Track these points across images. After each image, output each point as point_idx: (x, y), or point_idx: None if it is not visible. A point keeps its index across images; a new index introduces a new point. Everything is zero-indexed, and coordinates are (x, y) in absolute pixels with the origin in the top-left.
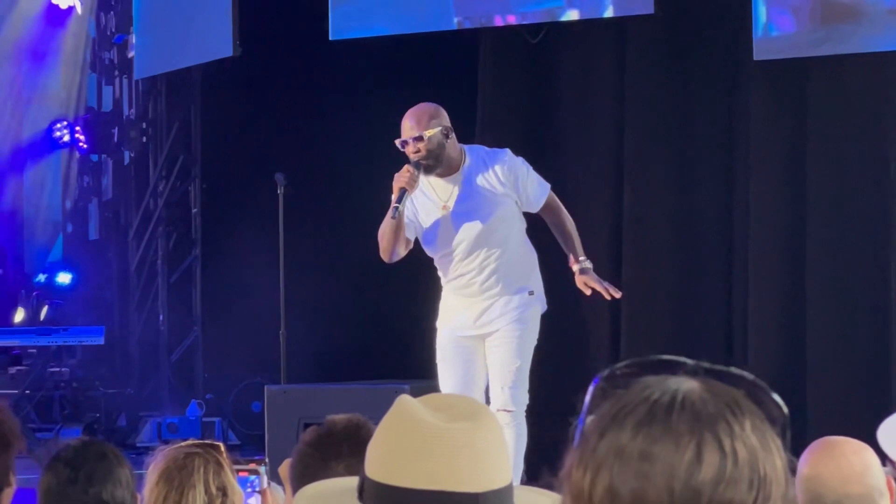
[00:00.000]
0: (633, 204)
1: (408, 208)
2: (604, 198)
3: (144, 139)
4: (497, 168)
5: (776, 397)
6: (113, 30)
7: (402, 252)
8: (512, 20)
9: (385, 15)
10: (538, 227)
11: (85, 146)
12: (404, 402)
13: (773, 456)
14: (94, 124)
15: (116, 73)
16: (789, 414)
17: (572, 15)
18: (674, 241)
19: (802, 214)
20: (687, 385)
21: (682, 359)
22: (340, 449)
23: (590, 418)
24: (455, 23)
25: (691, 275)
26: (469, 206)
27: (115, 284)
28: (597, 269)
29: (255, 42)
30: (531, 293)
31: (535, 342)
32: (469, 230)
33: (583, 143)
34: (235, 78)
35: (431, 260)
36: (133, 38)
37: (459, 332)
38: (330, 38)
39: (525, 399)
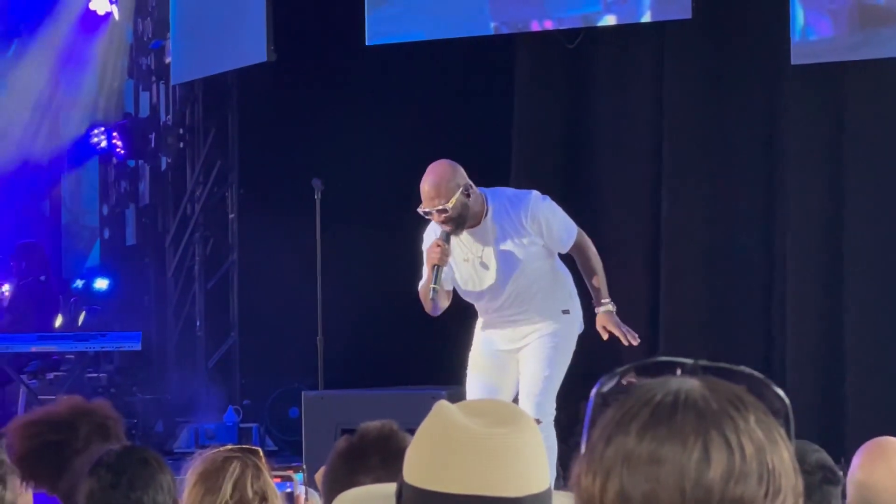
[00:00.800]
0: (672, 209)
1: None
2: (642, 202)
3: (181, 145)
4: (522, 215)
5: (776, 389)
6: (150, 36)
7: (444, 306)
8: (549, 25)
9: (421, 20)
10: None
11: (122, 152)
12: (443, 407)
13: (780, 448)
14: (131, 130)
15: (153, 78)
16: (829, 413)
17: (609, 20)
18: (712, 245)
19: (841, 218)
20: (688, 385)
21: (681, 359)
22: (370, 462)
23: (595, 425)
24: (492, 28)
25: (730, 279)
26: (498, 254)
27: (152, 290)
28: (635, 276)
29: (291, 47)
30: (566, 311)
31: (568, 358)
32: (501, 276)
33: (620, 148)
34: (272, 83)
35: None
36: (170, 44)
37: (495, 345)
38: (366, 44)
39: (552, 410)
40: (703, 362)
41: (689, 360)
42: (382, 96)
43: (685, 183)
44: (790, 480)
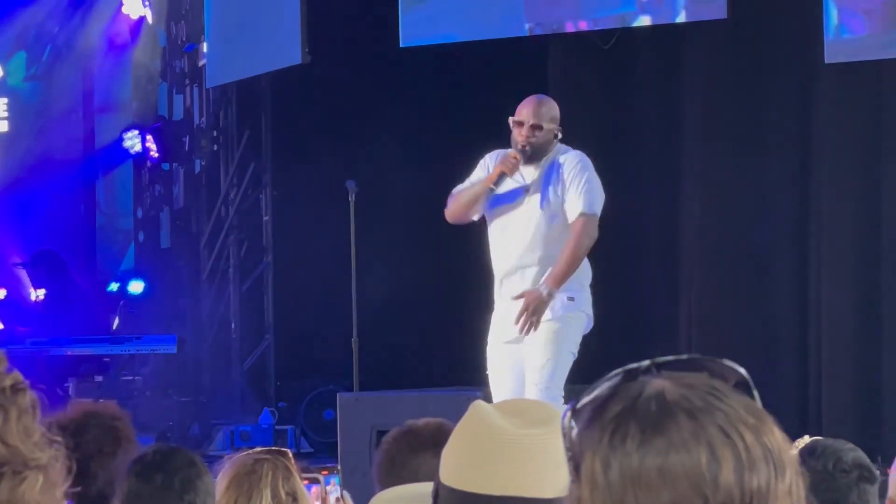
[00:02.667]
0: (705, 209)
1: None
2: (676, 202)
3: (215, 147)
4: (562, 160)
5: (731, 364)
6: (183, 39)
7: (471, 217)
8: (583, 26)
9: (455, 21)
10: (611, 247)
11: (156, 155)
12: (479, 407)
13: (769, 424)
14: (165, 133)
15: (187, 81)
16: (865, 413)
17: (644, 20)
18: (747, 243)
19: (876, 216)
20: (657, 387)
21: (637, 364)
22: (426, 442)
23: (580, 449)
24: (526, 29)
25: (765, 278)
26: (540, 191)
27: (186, 293)
28: (669, 272)
29: (325, 50)
30: (571, 299)
31: (572, 347)
32: (534, 214)
33: (655, 148)
34: (306, 86)
35: None
36: (204, 47)
37: (505, 337)
38: (400, 45)
39: (558, 395)
40: (659, 360)
41: (644, 363)
42: (416, 98)
43: (719, 182)
44: (788, 454)
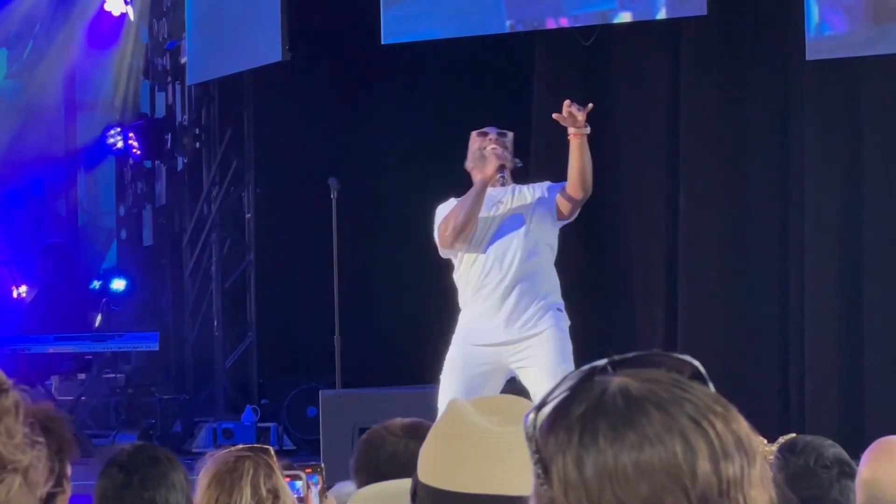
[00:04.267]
0: (689, 206)
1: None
2: (659, 200)
3: (197, 145)
4: (529, 186)
5: (684, 357)
6: (165, 36)
7: (469, 235)
8: (564, 23)
9: (437, 18)
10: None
11: (138, 152)
12: (456, 405)
13: (733, 412)
14: (147, 130)
15: (169, 79)
16: (847, 412)
17: (625, 17)
18: (729, 242)
19: (858, 214)
20: (621, 383)
21: (592, 364)
22: (403, 432)
23: (547, 452)
24: (507, 26)
25: (747, 276)
26: (513, 208)
27: (169, 290)
28: (652, 270)
29: (306, 47)
30: (559, 309)
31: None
32: (509, 232)
33: (637, 145)
34: (288, 83)
35: None
36: (185, 45)
37: (482, 340)
38: (382, 42)
39: None
40: (613, 358)
41: (601, 362)
42: (398, 95)
43: (701, 180)
44: (754, 441)
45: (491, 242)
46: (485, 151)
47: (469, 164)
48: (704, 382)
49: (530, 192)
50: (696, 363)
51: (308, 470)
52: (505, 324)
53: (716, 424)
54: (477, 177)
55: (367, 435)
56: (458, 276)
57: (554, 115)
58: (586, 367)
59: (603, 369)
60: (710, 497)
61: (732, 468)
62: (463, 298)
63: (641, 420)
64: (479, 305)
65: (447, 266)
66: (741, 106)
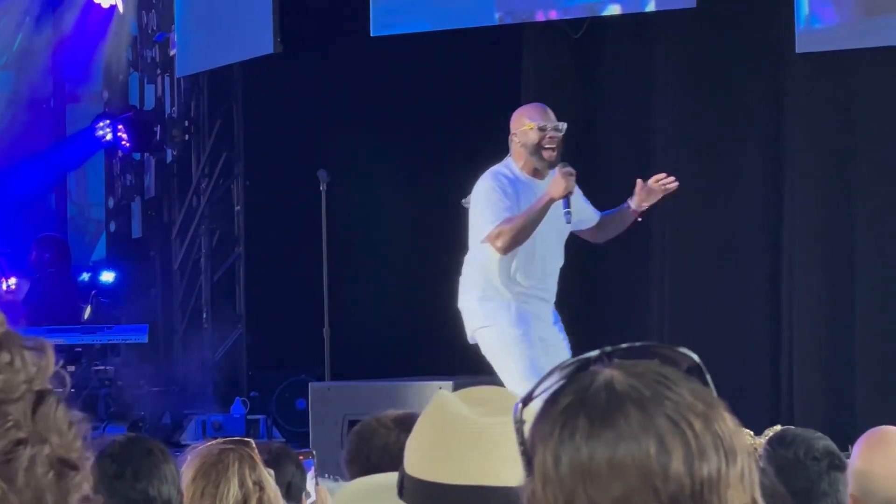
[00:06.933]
0: (676, 198)
1: (511, 200)
2: None
3: (187, 137)
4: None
5: (683, 350)
6: (154, 28)
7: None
8: (553, 15)
9: (426, 11)
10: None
11: (127, 144)
12: (442, 397)
13: (720, 410)
14: (136, 123)
15: (158, 71)
16: (836, 404)
17: (614, 9)
18: (716, 237)
19: (847, 206)
20: (606, 377)
21: (589, 353)
22: (394, 424)
23: (532, 443)
24: (496, 18)
25: (735, 273)
26: (559, 212)
27: (158, 282)
28: (637, 265)
29: (296, 39)
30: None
31: None
32: (554, 231)
33: (626, 138)
34: (277, 75)
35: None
36: (174, 37)
37: (535, 332)
38: (371, 35)
39: None
40: (607, 349)
41: (594, 353)
42: (388, 87)
43: (691, 173)
44: (739, 439)
45: (545, 237)
46: (558, 167)
47: (518, 148)
48: (702, 375)
49: (576, 199)
50: (694, 356)
51: (301, 457)
52: (550, 322)
53: (694, 424)
54: (531, 170)
55: (358, 427)
56: (484, 260)
57: (646, 186)
58: (583, 356)
59: (598, 359)
60: (680, 498)
61: (708, 469)
62: (488, 283)
63: (619, 418)
64: (520, 304)
65: (436, 260)
66: (731, 98)
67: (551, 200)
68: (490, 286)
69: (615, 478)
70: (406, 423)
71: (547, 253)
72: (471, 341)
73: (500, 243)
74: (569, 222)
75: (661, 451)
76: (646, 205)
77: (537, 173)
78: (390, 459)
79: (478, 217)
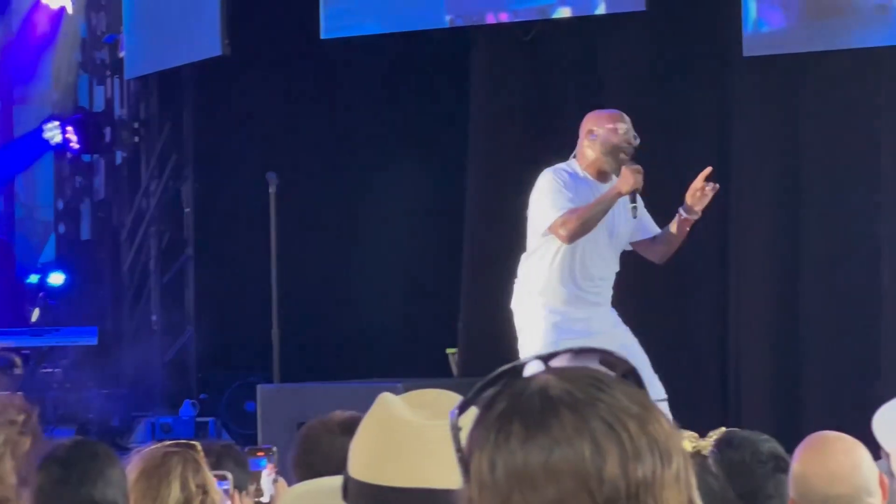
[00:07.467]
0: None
1: (573, 192)
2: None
3: (136, 139)
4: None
5: (617, 354)
6: (103, 30)
7: None
8: (504, 18)
9: (376, 13)
10: None
11: (77, 146)
12: (385, 400)
13: (655, 412)
14: (85, 124)
15: (108, 72)
16: (782, 406)
17: (564, 12)
18: None
19: (795, 209)
20: (542, 382)
21: (521, 360)
22: (339, 429)
23: (469, 449)
24: (447, 21)
25: (685, 271)
26: (617, 219)
27: (107, 285)
28: None
29: (246, 41)
30: None
31: None
32: (613, 235)
33: (574, 141)
34: (227, 77)
35: (429, 261)
36: (123, 38)
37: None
38: (321, 37)
39: None
40: (541, 355)
41: (528, 358)
42: (338, 90)
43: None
44: (674, 441)
45: (606, 238)
46: (626, 164)
47: (590, 147)
48: (638, 380)
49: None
50: (629, 361)
51: (260, 453)
52: (610, 325)
53: (629, 426)
54: (606, 168)
55: (304, 429)
56: (538, 260)
57: (696, 191)
58: (517, 362)
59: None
60: (616, 501)
61: (643, 470)
62: (544, 283)
63: (553, 422)
64: (572, 296)
65: (384, 262)
66: (678, 101)
67: (619, 194)
68: (548, 286)
69: (550, 482)
70: (351, 427)
71: (606, 254)
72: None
73: (564, 231)
74: (635, 217)
75: (596, 454)
76: (698, 208)
77: (602, 176)
78: (335, 466)
79: (539, 210)
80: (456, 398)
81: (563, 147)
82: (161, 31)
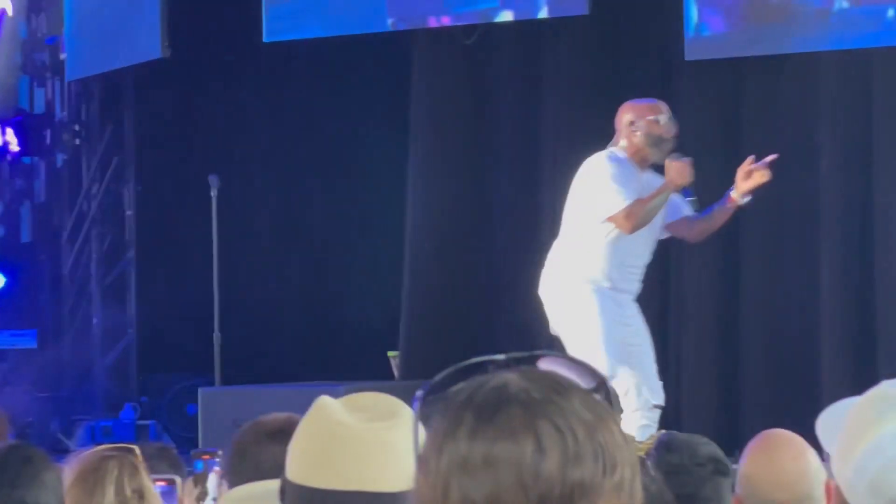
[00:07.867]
0: (564, 204)
1: (636, 183)
2: (539, 201)
3: (77, 141)
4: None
5: (586, 363)
6: (44, 31)
7: None
8: (446, 21)
9: (319, 17)
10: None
11: (17, 149)
12: (322, 403)
13: (608, 424)
14: (25, 126)
15: (48, 74)
16: (724, 408)
17: (506, 16)
18: None
19: (735, 212)
20: (504, 380)
21: (493, 356)
22: (273, 434)
23: (425, 436)
24: (388, 24)
25: None
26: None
27: (47, 287)
28: (529, 269)
29: (187, 44)
30: None
31: None
32: (654, 227)
33: (516, 145)
34: (169, 80)
35: (370, 264)
36: (65, 40)
37: (624, 310)
38: (264, 40)
39: None
40: (514, 354)
41: (500, 356)
42: (280, 93)
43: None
44: (623, 453)
45: (656, 225)
46: (676, 158)
47: (635, 136)
48: (606, 389)
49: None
50: (600, 371)
51: (206, 456)
52: (630, 294)
53: (577, 431)
54: (649, 159)
55: (237, 437)
56: (588, 246)
57: (742, 171)
58: (482, 358)
59: (504, 364)
60: (548, 499)
61: (581, 475)
62: (596, 270)
63: (502, 416)
64: (617, 283)
65: (327, 264)
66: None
67: (676, 188)
68: (597, 271)
69: (488, 472)
70: (284, 434)
71: (646, 244)
72: (553, 330)
73: (629, 222)
74: (696, 210)
75: (537, 452)
76: (744, 187)
77: (643, 164)
78: (266, 474)
79: (600, 196)
80: (394, 401)
81: (501, 149)
82: (102, 33)
